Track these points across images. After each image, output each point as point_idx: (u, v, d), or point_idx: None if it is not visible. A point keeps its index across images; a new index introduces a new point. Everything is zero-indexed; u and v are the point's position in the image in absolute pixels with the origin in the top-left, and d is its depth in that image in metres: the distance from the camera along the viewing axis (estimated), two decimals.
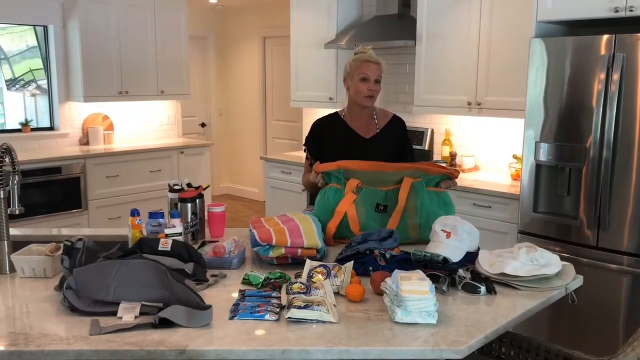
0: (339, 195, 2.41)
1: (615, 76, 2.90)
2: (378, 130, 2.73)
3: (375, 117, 2.76)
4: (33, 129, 5.55)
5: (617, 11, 2.95)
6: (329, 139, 2.72)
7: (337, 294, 1.81)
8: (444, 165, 2.73)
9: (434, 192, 2.44)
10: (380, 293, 1.78)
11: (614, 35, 2.91)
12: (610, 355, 1.71)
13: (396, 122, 2.80)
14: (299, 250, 2.07)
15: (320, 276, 1.85)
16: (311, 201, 2.75)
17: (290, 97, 5.37)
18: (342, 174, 2.43)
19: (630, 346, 1.68)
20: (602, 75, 2.95)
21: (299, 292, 1.72)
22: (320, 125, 2.79)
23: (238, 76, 7.90)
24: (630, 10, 2.91)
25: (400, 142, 2.77)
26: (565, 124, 3.13)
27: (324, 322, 1.60)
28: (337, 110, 2.84)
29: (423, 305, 1.59)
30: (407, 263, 1.97)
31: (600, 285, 3.05)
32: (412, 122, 4.79)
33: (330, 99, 4.88)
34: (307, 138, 2.80)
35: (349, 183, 2.41)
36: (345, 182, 2.42)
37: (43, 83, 5.73)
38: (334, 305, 1.70)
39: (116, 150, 5.52)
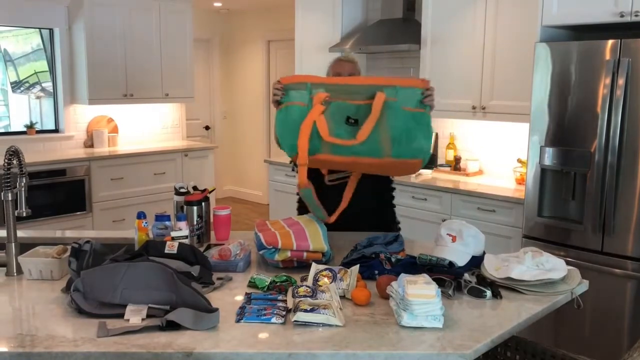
0: (305, 114, 2.18)
1: (621, 81, 2.91)
2: None
3: None
4: (38, 132, 5.57)
5: (622, 16, 2.95)
6: None
7: (342, 297, 1.82)
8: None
9: (409, 112, 2.21)
10: (386, 297, 1.78)
11: (619, 40, 2.91)
12: None
13: None
14: (305, 254, 2.07)
15: (326, 279, 1.86)
16: (300, 212, 2.68)
17: None
18: (308, 89, 2.22)
19: (637, 351, 1.67)
20: (608, 80, 2.95)
21: (305, 296, 1.72)
22: None
23: (242, 79, 7.92)
24: (636, 15, 2.91)
25: None
26: (571, 128, 3.13)
27: (330, 325, 1.60)
28: None
29: (429, 309, 1.59)
30: (413, 267, 1.97)
31: (605, 290, 3.05)
32: None
33: None
34: None
35: (317, 96, 2.19)
36: (312, 98, 2.20)
37: (48, 85, 5.75)
38: (340, 308, 1.70)
39: (121, 152, 5.54)
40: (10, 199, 2.03)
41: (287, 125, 2.22)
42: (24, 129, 5.52)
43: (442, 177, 4.26)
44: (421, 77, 2.30)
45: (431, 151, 2.30)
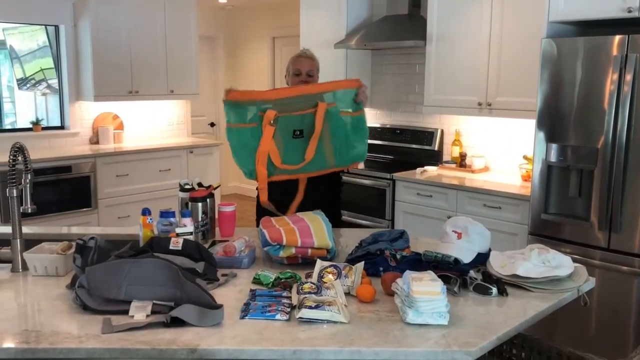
0: (258, 134, 2.39)
1: (628, 77, 2.88)
2: None
3: None
4: (44, 128, 5.58)
5: (630, 11, 2.92)
6: None
7: (347, 294, 1.81)
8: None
9: (348, 117, 2.52)
10: (391, 294, 1.77)
11: (626, 36, 2.89)
12: (621, 358, 1.69)
13: None
14: (310, 250, 2.07)
15: (331, 276, 1.85)
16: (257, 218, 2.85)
17: None
18: (257, 107, 2.39)
19: None
20: (615, 76, 2.92)
21: (309, 292, 1.72)
22: None
23: (247, 76, 7.91)
24: None
25: None
26: (577, 125, 3.11)
27: (335, 322, 1.60)
28: None
29: (434, 306, 1.59)
30: (418, 264, 1.97)
31: (612, 288, 3.03)
32: (422, 122, 4.78)
33: None
34: None
35: (267, 115, 2.37)
36: (261, 115, 2.39)
37: (54, 82, 5.76)
38: (345, 305, 1.70)
39: (126, 149, 5.54)
40: (15, 195, 2.04)
41: (242, 150, 2.44)
42: (30, 126, 5.53)
43: (447, 173, 4.25)
44: (354, 78, 2.63)
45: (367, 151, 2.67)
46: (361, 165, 4.29)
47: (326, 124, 2.46)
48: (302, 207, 2.57)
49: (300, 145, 2.47)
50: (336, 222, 2.75)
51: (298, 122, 2.46)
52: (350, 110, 2.53)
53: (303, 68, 2.81)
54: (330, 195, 2.90)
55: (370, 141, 4.99)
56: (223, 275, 1.97)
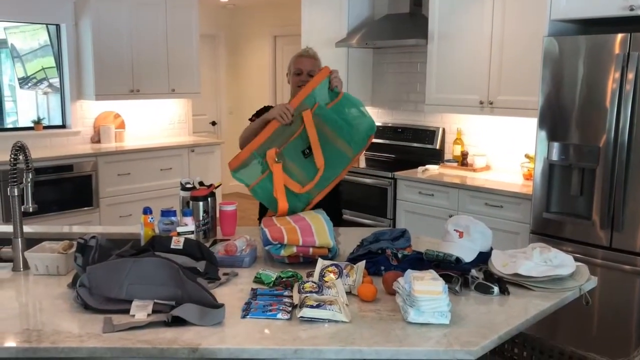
0: (271, 180, 2.42)
1: (630, 75, 2.88)
2: None
3: None
4: (45, 127, 5.58)
5: (632, 9, 2.92)
6: None
7: (349, 293, 1.81)
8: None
9: (335, 105, 2.51)
10: (392, 293, 1.77)
11: (629, 34, 2.88)
12: (624, 357, 1.69)
13: None
14: (311, 250, 2.07)
15: (332, 275, 1.85)
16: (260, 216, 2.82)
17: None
18: (257, 158, 2.44)
19: None
20: (617, 75, 2.92)
21: (311, 292, 1.71)
22: (267, 108, 2.85)
23: (249, 75, 7.91)
24: None
25: None
26: (579, 123, 3.11)
27: (336, 321, 1.60)
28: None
29: (436, 306, 1.58)
30: (420, 263, 1.96)
31: (614, 287, 3.03)
32: (424, 121, 4.77)
33: None
34: (253, 115, 2.91)
35: (269, 156, 2.41)
36: (265, 161, 2.42)
37: (55, 81, 5.76)
38: (346, 304, 1.69)
39: (127, 148, 5.54)
40: (16, 194, 2.04)
41: (268, 199, 2.45)
42: (32, 125, 5.53)
43: (449, 172, 4.24)
44: (327, 67, 2.60)
45: (371, 116, 2.64)
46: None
47: (324, 125, 2.45)
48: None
49: (312, 162, 2.46)
50: (337, 221, 2.75)
51: (300, 142, 2.46)
52: (331, 100, 2.52)
53: (304, 67, 2.79)
54: (329, 194, 2.90)
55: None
56: (224, 274, 1.97)
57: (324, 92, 2.51)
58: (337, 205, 2.98)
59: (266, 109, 2.85)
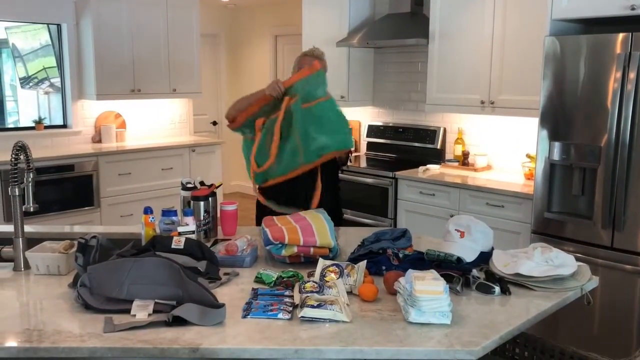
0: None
1: (632, 75, 2.87)
2: None
3: None
4: (46, 127, 5.58)
5: (633, 9, 2.91)
6: None
7: (350, 293, 1.81)
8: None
9: (307, 109, 2.54)
10: (393, 293, 1.77)
11: (630, 34, 2.87)
12: (625, 357, 1.68)
13: None
14: (312, 249, 2.07)
15: (333, 275, 1.85)
16: (258, 222, 2.89)
17: None
18: (251, 121, 2.64)
19: None
20: (618, 74, 2.91)
21: (311, 291, 1.71)
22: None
23: (249, 74, 7.91)
24: None
25: None
26: (580, 123, 3.10)
27: (337, 321, 1.59)
28: None
29: (437, 306, 1.58)
30: (421, 263, 1.96)
31: (615, 286, 3.02)
32: (425, 120, 4.77)
33: (342, 97, 4.87)
34: None
35: (257, 123, 2.62)
36: (254, 127, 2.63)
37: (56, 81, 5.76)
38: (347, 304, 1.69)
39: (128, 148, 5.54)
40: (17, 194, 2.03)
41: (247, 158, 2.70)
42: (33, 125, 5.53)
43: (450, 172, 4.24)
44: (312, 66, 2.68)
45: (342, 140, 2.61)
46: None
47: (293, 121, 2.51)
48: (297, 206, 2.57)
49: (282, 146, 2.57)
50: (337, 221, 2.75)
51: (273, 124, 2.59)
52: (314, 99, 2.56)
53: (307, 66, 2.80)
54: (329, 194, 2.90)
55: (372, 139, 5.04)
56: (225, 274, 1.97)
57: (309, 89, 2.53)
58: (337, 205, 2.98)
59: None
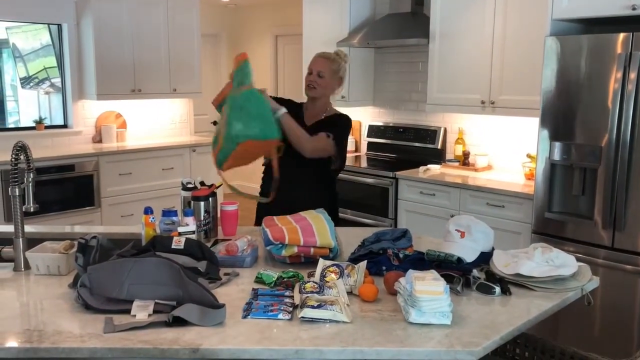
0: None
1: (633, 75, 2.87)
2: (316, 121, 2.86)
3: (325, 113, 2.89)
4: (47, 127, 5.58)
5: (634, 9, 2.91)
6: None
7: (350, 293, 1.81)
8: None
9: (233, 97, 2.48)
10: (393, 293, 1.77)
11: (631, 34, 2.87)
12: (626, 358, 1.68)
13: (335, 116, 2.89)
14: (312, 250, 2.07)
15: (333, 275, 1.85)
16: (257, 222, 2.84)
17: (302, 96, 5.35)
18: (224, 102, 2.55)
19: None
20: (619, 74, 2.91)
21: (312, 292, 1.71)
22: (287, 100, 2.92)
23: None
24: None
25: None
26: (581, 123, 3.10)
27: (337, 321, 1.59)
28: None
29: (437, 306, 1.58)
30: (421, 263, 1.96)
31: (616, 287, 3.02)
32: (425, 120, 4.77)
33: (343, 97, 4.87)
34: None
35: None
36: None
37: (57, 81, 5.76)
38: (348, 305, 1.69)
39: (129, 148, 5.54)
40: (17, 194, 2.03)
41: (216, 136, 2.61)
42: (33, 125, 5.53)
43: (450, 172, 4.24)
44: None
45: (247, 133, 2.46)
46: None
47: (226, 106, 2.48)
48: (292, 205, 2.52)
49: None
50: (334, 220, 2.75)
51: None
52: (239, 87, 2.51)
53: (314, 67, 2.81)
54: (327, 193, 2.90)
55: (372, 139, 5.04)
56: (225, 274, 1.96)
57: (240, 78, 2.50)
58: (333, 204, 2.95)
59: (285, 99, 2.89)
